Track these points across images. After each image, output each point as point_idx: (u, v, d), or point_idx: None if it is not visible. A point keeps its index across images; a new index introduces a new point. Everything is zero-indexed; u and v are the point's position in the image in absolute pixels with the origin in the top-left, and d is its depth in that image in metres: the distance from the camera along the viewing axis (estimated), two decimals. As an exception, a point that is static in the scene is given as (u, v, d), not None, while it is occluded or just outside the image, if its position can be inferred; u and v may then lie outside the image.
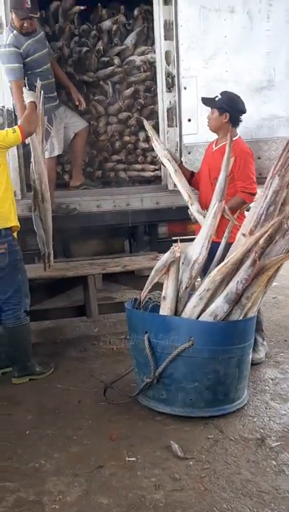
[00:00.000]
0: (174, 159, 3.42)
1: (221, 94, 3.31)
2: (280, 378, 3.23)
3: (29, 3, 3.50)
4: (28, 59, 3.62)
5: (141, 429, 2.69)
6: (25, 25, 3.55)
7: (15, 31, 3.56)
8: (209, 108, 3.36)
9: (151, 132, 3.51)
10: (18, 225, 3.23)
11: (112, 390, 3.03)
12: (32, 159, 3.52)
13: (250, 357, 2.92)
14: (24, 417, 2.86)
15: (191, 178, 3.50)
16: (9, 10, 3.59)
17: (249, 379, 3.04)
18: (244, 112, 3.33)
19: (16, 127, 3.18)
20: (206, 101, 3.36)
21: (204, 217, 3.07)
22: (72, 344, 3.86)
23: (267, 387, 3.11)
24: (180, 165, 3.50)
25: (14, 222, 3.19)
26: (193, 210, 3.24)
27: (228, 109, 3.25)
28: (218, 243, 2.98)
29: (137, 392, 2.89)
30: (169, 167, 3.39)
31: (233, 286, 2.63)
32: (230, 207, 3.09)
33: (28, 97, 3.39)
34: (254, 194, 3.21)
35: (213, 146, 3.41)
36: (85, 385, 3.20)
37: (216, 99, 3.28)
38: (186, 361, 2.70)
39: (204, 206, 3.27)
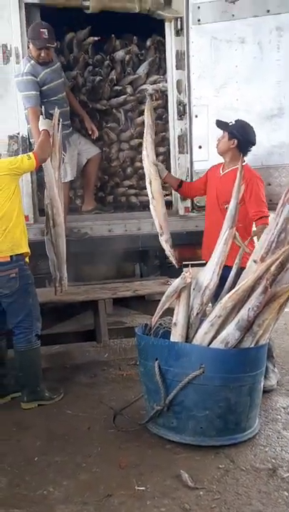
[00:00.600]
0: (159, 177, 3.44)
1: (236, 121, 3.40)
2: (292, 407, 3.18)
3: (46, 34, 3.64)
4: (45, 87, 3.73)
5: (150, 457, 2.65)
6: (42, 55, 3.67)
7: (32, 61, 3.68)
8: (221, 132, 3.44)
9: (147, 141, 3.48)
10: (29, 251, 3.26)
11: (122, 417, 3.00)
12: (46, 184, 3.58)
13: (262, 385, 2.89)
14: (33, 443, 2.83)
15: (178, 187, 3.65)
16: (27, 40, 3.72)
17: (261, 407, 2.99)
18: (253, 143, 3.40)
19: (30, 153, 3.24)
20: (220, 124, 3.43)
21: (171, 247, 3.24)
22: (82, 369, 3.85)
23: (279, 416, 3.07)
24: (167, 175, 3.59)
25: (25, 249, 3.22)
26: (162, 240, 3.38)
27: (238, 136, 3.34)
28: (229, 267, 2.97)
29: (146, 419, 2.85)
30: (153, 186, 3.39)
31: (244, 313, 2.62)
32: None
33: (42, 124, 3.47)
34: (268, 216, 3.24)
35: (220, 170, 3.47)
36: (95, 411, 3.17)
37: (230, 123, 3.37)
38: (197, 389, 2.67)
39: (211, 230, 3.32)
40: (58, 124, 3.54)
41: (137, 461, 2.61)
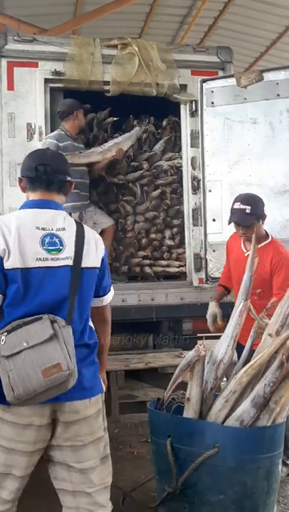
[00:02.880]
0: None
1: (245, 201, 3.17)
2: (312, 494, 2.97)
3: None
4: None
5: None
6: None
7: (62, 131, 4.02)
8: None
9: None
10: None
11: (131, 499, 2.83)
12: None
13: (280, 469, 2.72)
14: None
15: (227, 291, 3.53)
16: (72, 114, 4.13)
17: (279, 493, 2.80)
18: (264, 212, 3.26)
19: None
20: (242, 220, 3.14)
21: None
22: (91, 445, 3.68)
23: (299, 504, 2.87)
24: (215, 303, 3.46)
25: None
26: None
27: (262, 212, 3.20)
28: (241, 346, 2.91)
29: (157, 502, 2.68)
30: None
31: (260, 389, 2.52)
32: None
33: None
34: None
35: (243, 249, 3.31)
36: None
37: (247, 214, 3.11)
38: (211, 470, 2.52)
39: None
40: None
41: None
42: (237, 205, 3.17)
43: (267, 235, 3.30)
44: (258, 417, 2.55)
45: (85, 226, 2.10)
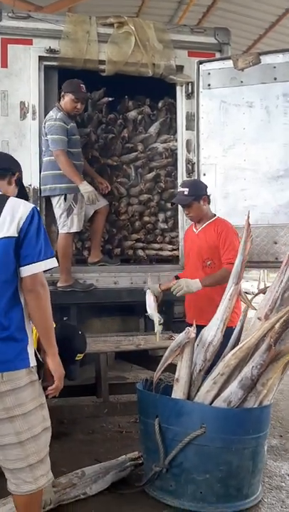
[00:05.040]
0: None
1: (184, 185, 3.49)
2: (297, 474, 3.03)
3: (84, 88, 3.96)
4: (70, 138, 3.94)
5: (146, 523, 2.52)
6: (78, 107, 3.97)
7: (62, 112, 3.92)
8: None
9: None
10: None
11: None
12: None
13: (265, 449, 2.77)
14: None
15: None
16: (61, 93, 3.97)
17: (264, 473, 2.86)
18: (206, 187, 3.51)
19: None
20: (180, 200, 3.47)
21: None
22: (80, 425, 3.73)
23: (283, 484, 2.92)
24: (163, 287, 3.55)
25: None
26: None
27: (203, 192, 3.42)
28: (232, 328, 2.94)
29: (144, 481, 2.73)
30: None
31: (247, 371, 2.55)
32: (217, 280, 3.18)
33: (86, 186, 3.86)
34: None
35: (194, 229, 3.51)
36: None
37: (184, 193, 3.39)
38: (198, 450, 2.57)
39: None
40: None
41: (132, 527, 2.47)
42: (179, 189, 3.53)
43: (213, 215, 3.49)
44: (245, 399, 2.59)
45: (11, 198, 2.06)
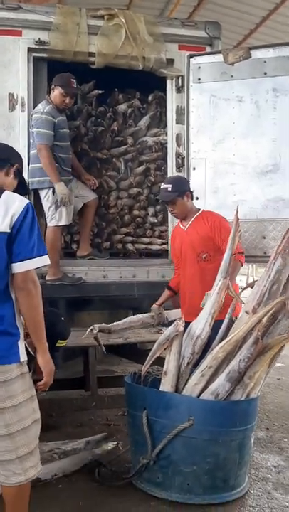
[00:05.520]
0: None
1: (167, 182, 3.46)
2: (283, 466, 3.07)
3: (75, 83, 3.93)
4: (57, 131, 3.91)
5: (134, 515, 2.53)
6: (66, 101, 3.93)
7: (51, 105, 3.88)
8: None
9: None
10: None
11: (107, 470, 2.89)
12: None
13: (252, 441, 2.80)
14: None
15: (174, 291, 3.60)
16: (51, 86, 3.93)
17: (250, 465, 2.89)
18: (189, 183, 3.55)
19: None
20: (165, 196, 3.41)
21: None
22: (68, 418, 3.73)
23: (269, 476, 2.95)
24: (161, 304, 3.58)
25: None
26: None
27: (186, 188, 3.42)
28: (221, 321, 2.95)
29: (132, 473, 2.74)
30: None
31: (235, 364, 2.57)
32: (235, 272, 3.17)
33: (62, 187, 3.80)
34: (243, 252, 3.27)
35: (181, 226, 3.49)
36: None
37: (167, 189, 3.36)
38: (185, 442, 2.59)
39: (190, 285, 3.35)
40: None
41: (120, 519, 2.49)
42: (162, 185, 3.47)
43: (198, 210, 3.49)
44: (232, 392, 2.61)
45: (6, 192, 2.04)
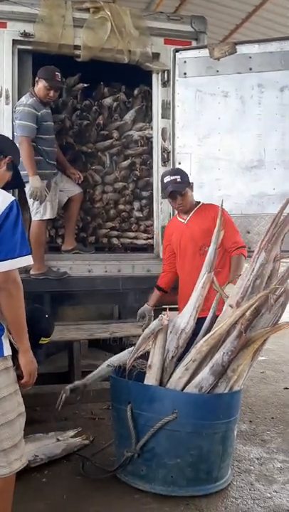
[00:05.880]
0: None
1: (168, 174, 3.37)
2: (265, 458, 3.11)
3: (59, 77, 3.89)
4: (41, 124, 3.87)
5: (118, 507, 2.55)
6: (50, 94, 3.89)
7: (35, 98, 3.84)
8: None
9: None
10: None
11: (91, 464, 2.90)
12: None
13: (235, 434, 2.83)
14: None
15: (164, 290, 3.60)
16: (35, 79, 3.88)
17: (233, 457, 2.92)
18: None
19: None
20: (177, 188, 3.31)
21: None
22: (52, 412, 3.70)
23: (252, 467, 2.99)
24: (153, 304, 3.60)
25: None
26: None
27: (189, 179, 3.39)
28: (205, 318, 2.97)
29: (116, 466, 2.76)
30: None
31: (218, 357, 2.60)
32: (239, 268, 3.18)
33: (36, 181, 3.69)
34: (244, 246, 3.29)
35: (180, 219, 3.46)
36: (62, 456, 3.05)
37: (179, 182, 3.28)
38: (169, 435, 2.61)
39: (191, 279, 3.23)
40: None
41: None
42: (167, 178, 3.33)
43: (197, 202, 3.46)
44: (216, 385, 2.64)
45: None
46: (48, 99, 3.92)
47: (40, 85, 3.85)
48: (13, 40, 3.90)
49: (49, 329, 2.50)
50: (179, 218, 3.50)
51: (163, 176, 3.41)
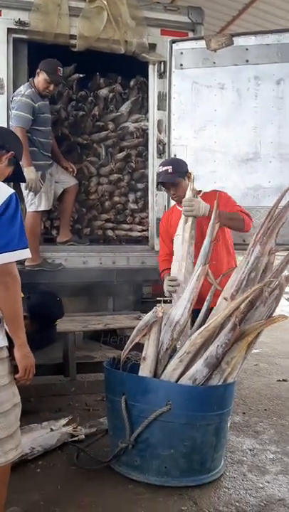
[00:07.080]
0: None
1: (166, 164, 3.33)
2: (258, 449, 3.14)
3: (61, 71, 3.89)
4: (37, 116, 3.86)
5: (111, 497, 2.56)
6: (50, 88, 3.89)
7: (33, 89, 3.83)
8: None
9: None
10: None
11: (85, 454, 2.91)
12: None
13: (228, 425, 2.85)
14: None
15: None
16: (37, 71, 3.86)
17: (226, 448, 2.95)
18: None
19: None
20: (170, 179, 3.26)
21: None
22: (47, 403, 3.74)
23: (244, 458, 3.02)
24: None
25: None
26: None
27: (186, 169, 3.32)
28: (199, 310, 2.98)
29: (110, 457, 2.77)
30: None
31: (213, 349, 2.61)
32: (230, 217, 3.11)
33: (30, 172, 3.68)
34: (248, 214, 3.22)
35: (180, 208, 3.34)
36: (57, 447, 3.07)
37: (170, 173, 3.23)
38: (163, 426, 2.62)
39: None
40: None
41: (97, 502, 2.52)
42: (160, 169, 3.31)
43: (199, 191, 3.36)
44: (210, 377, 2.65)
45: None
46: (47, 92, 3.91)
47: (41, 78, 3.83)
48: (8, 28, 3.86)
49: (62, 311, 2.62)
50: (178, 207, 3.42)
51: (158, 166, 3.41)
